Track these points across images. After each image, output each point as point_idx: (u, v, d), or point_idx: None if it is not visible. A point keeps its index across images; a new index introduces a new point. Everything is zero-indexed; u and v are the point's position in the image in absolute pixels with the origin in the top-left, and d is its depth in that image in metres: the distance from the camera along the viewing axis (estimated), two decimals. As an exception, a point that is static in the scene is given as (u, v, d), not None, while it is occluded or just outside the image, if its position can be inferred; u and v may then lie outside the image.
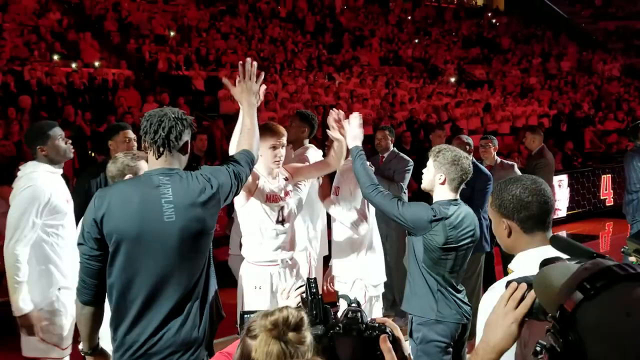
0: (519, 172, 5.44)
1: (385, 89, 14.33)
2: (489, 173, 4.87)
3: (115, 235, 2.11)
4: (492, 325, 1.34)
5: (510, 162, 5.61)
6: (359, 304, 1.89)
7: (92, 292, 2.20)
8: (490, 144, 5.55)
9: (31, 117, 8.83)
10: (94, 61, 12.06)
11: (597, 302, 1.08)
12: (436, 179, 2.86)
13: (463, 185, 2.93)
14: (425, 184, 2.94)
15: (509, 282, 1.35)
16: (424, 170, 2.97)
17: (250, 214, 3.13)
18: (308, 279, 1.95)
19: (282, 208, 3.17)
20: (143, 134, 2.21)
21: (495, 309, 1.35)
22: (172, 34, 14.39)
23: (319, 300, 1.77)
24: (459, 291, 2.93)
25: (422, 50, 18.43)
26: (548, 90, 17.39)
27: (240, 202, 3.10)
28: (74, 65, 11.59)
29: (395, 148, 5.45)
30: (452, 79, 16.77)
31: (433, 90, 14.89)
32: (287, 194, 3.23)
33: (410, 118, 12.35)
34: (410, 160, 5.34)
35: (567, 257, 1.31)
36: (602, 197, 10.37)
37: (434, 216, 2.78)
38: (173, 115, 2.20)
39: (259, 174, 3.09)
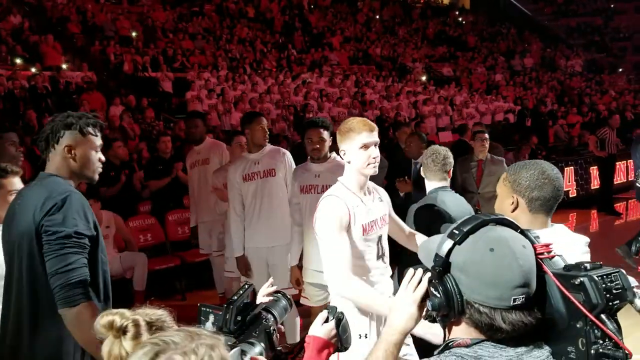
0: (507, 167, 5.50)
1: (355, 87, 14.39)
2: None
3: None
4: (395, 308, 1.42)
5: (499, 158, 5.69)
6: (340, 321, 1.80)
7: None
8: (487, 139, 5.61)
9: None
10: (57, 64, 11.80)
11: (466, 244, 1.24)
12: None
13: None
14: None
15: (406, 270, 1.43)
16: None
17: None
18: (246, 282, 1.89)
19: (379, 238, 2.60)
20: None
21: (398, 294, 1.44)
22: (136, 34, 14.16)
23: (236, 307, 1.67)
24: None
25: (390, 49, 18.56)
26: (513, 87, 17.71)
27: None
28: (33, 70, 11.31)
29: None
30: (422, 77, 16.93)
31: (402, 88, 15.01)
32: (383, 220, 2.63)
33: (380, 116, 12.43)
34: (384, 160, 5.37)
35: None
36: (565, 189, 10.60)
37: None
38: (57, 118, 2.22)
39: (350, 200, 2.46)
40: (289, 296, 1.86)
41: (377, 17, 21.36)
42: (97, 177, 2.33)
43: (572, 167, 10.65)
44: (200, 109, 11.11)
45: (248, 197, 4.10)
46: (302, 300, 3.82)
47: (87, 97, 10.40)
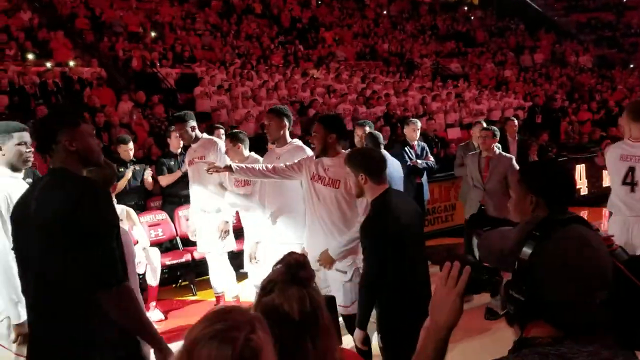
0: (516, 165, 5.49)
1: (362, 83, 14.37)
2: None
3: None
4: (437, 305, 1.41)
5: (508, 155, 5.66)
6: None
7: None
8: (489, 136, 5.56)
9: (3, 119, 8.67)
10: (67, 60, 11.86)
11: (551, 244, 1.23)
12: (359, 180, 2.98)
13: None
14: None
15: (443, 262, 1.45)
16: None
17: None
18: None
19: None
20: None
21: (436, 289, 1.43)
22: (146, 31, 14.22)
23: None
24: None
25: (398, 44, 18.50)
26: (523, 83, 17.60)
27: None
28: (48, 65, 11.39)
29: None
30: (430, 74, 16.88)
31: (410, 84, 14.97)
32: None
33: (387, 113, 12.40)
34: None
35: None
36: (577, 187, 10.53)
37: None
38: (43, 121, 2.30)
39: None
40: None
41: (385, 12, 21.29)
42: (101, 159, 2.39)
43: (584, 165, 10.56)
44: (208, 105, 11.14)
45: None
46: None
47: (97, 93, 10.46)
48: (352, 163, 2.97)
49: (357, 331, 2.96)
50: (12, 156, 2.85)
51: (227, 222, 5.06)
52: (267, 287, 1.55)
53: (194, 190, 5.24)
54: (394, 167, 4.81)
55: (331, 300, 1.85)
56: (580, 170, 10.45)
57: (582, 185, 10.48)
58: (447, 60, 18.79)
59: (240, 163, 4.28)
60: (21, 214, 2.23)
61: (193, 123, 5.08)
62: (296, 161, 3.86)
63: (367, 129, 5.50)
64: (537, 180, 2.01)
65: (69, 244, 2.04)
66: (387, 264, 2.82)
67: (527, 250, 1.25)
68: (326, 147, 3.65)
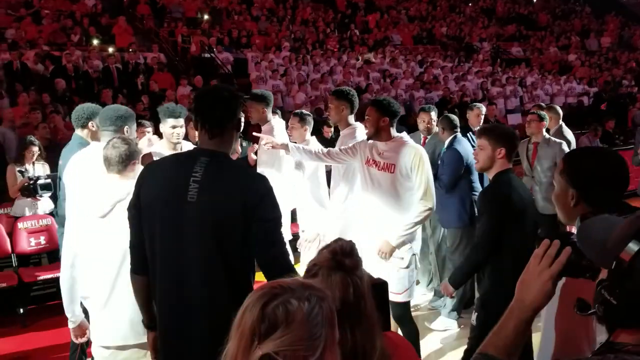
0: (566, 149, 5.25)
1: (419, 68, 14.11)
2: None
3: (146, 207, 2.09)
4: (527, 283, 1.31)
5: (558, 140, 5.41)
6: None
7: (135, 261, 2.20)
8: (531, 120, 5.37)
9: (68, 102, 9.01)
10: (128, 45, 12.19)
11: None
12: (495, 153, 2.98)
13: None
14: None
15: (540, 239, 1.33)
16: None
17: None
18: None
19: None
20: (194, 113, 2.14)
21: (529, 267, 1.32)
22: (204, 17, 14.42)
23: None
24: None
25: (456, 28, 18.03)
26: (588, 68, 16.84)
27: None
28: (110, 50, 11.75)
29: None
30: (488, 58, 16.38)
31: (469, 69, 14.58)
32: None
33: (444, 97, 12.13)
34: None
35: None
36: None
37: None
38: (225, 94, 2.11)
39: None
40: None
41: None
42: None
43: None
44: (264, 89, 11.19)
45: None
46: None
47: (157, 78, 10.70)
48: (495, 136, 2.99)
49: (448, 286, 3.22)
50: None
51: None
52: (312, 270, 1.53)
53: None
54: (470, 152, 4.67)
55: (382, 286, 1.81)
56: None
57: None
58: (508, 44, 18.17)
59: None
60: (179, 189, 2.14)
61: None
62: (351, 145, 3.74)
63: (433, 114, 5.36)
64: (583, 173, 1.70)
65: (243, 234, 2.10)
66: (502, 235, 2.91)
67: (631, 249, 1.08)
68: (379, 130, 3.52)
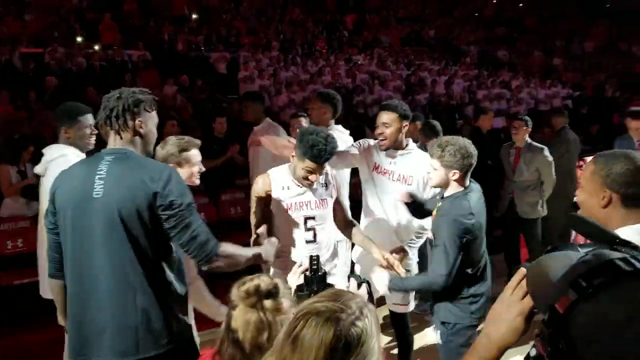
0: (548, 156, 5.34)
1: (407, 70, 14.13)
2: None
3: (59, 210, 2.18)
4: (496, 317, 1.16)
5: (540, 146, 5.47)
6: (369, 284, 1.94)
7: (52, 265, 2.27)
8: (520, 126, 5.43)
9: (53, 99, 8.87)
10: (113, 43, 12.03)
11: (593, 304, 0.90)
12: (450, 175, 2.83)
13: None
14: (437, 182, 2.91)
15: (517, 267, 1.20)
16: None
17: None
18: (310, 256, 2.01)
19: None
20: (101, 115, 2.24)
21: (501, 298, 1.18)
22: (192, 15, 14.30)
23: (320, 277, 1.86)
24: None
25: (445, 30, 18.10)
26: (572, 72, 17.00)
27: None
28: (96, 47, 11.59)
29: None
30: (475, 61, 16.46)
31: (455, 71, 14.64)
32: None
33: (431, 101, 12.16)
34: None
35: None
36: None
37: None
38: (124, 95, 2.20)
39: None
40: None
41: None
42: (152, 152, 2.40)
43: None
44: (252, 89, 11.13)
45: None
46: None
47: (143, 76, 10.58)
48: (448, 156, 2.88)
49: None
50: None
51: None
52: (233, 302, 1.50)
53: None
54: None
55: None
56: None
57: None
58: (495, 47, 18.28)
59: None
60: (85, 194, 2.29)
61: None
62: (347, 149, 3.53)
63: (419, 123, 5.35)
64: (616, 174, 1.71)
65: (149, 225, 2.18)
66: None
67: (564, 302, 0.93)
68: (397, 137, 3.31)
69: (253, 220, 3.03)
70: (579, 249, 1.05)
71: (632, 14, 24.21)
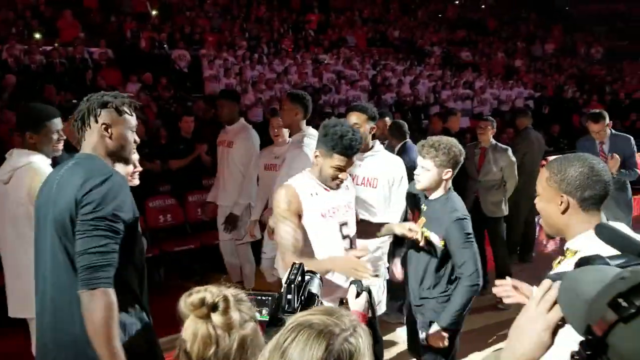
0: (512, 156, 5.43)
1: (373, 70, 14.20)
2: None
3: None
4: (520, 331, 1.11)
5: (504, 146, 5.57)
6: (370, 293, 1.87)
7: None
8: (486, 127, 5.50)
9: (12, 98, 8.55)
10: (74, 40, 11.67)
11: (635, 327, 0.84)
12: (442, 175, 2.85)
13: None
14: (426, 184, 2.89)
15: (544, 279, 1.15)
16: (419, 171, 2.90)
17: None
18: (293, 263, 1.89)
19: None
20: None
21: (526, 311, 1.13)
22: (154, 12, 14.01)
23: (295, 287, 1.75)
24: None
25: (408, 31, 18.27)
26: (533, 73, 17.41)
27: None
28: (56, 44, 11.21)
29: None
30: (440, 62, 16.67)
31: (420, 72, 14.79)
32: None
33: (397, 100, 12.25)
34: None
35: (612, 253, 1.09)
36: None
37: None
38: (93, 97, 2.17)
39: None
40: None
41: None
42: (132, 158, 2.27)
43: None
44: (218, 88, 10.98)
45: None
46: None
47: (105, 74, 10.31)
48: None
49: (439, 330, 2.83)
50: None
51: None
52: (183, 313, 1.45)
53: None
54: None
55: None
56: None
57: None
58: (458, 48, 18.56)
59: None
60: (44, 196, 2.29)
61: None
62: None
63: (388, 120, 5.34)
64: (571, 179, 1.69)
65: (73, 232, 2.13)
66: None
67: (603, 323, 0.87)
68: (366, 140, 3.23)
69: (288, 242, 2.54)
70: (609, 261, 1.01)
71: (589, 18, 25.00)
